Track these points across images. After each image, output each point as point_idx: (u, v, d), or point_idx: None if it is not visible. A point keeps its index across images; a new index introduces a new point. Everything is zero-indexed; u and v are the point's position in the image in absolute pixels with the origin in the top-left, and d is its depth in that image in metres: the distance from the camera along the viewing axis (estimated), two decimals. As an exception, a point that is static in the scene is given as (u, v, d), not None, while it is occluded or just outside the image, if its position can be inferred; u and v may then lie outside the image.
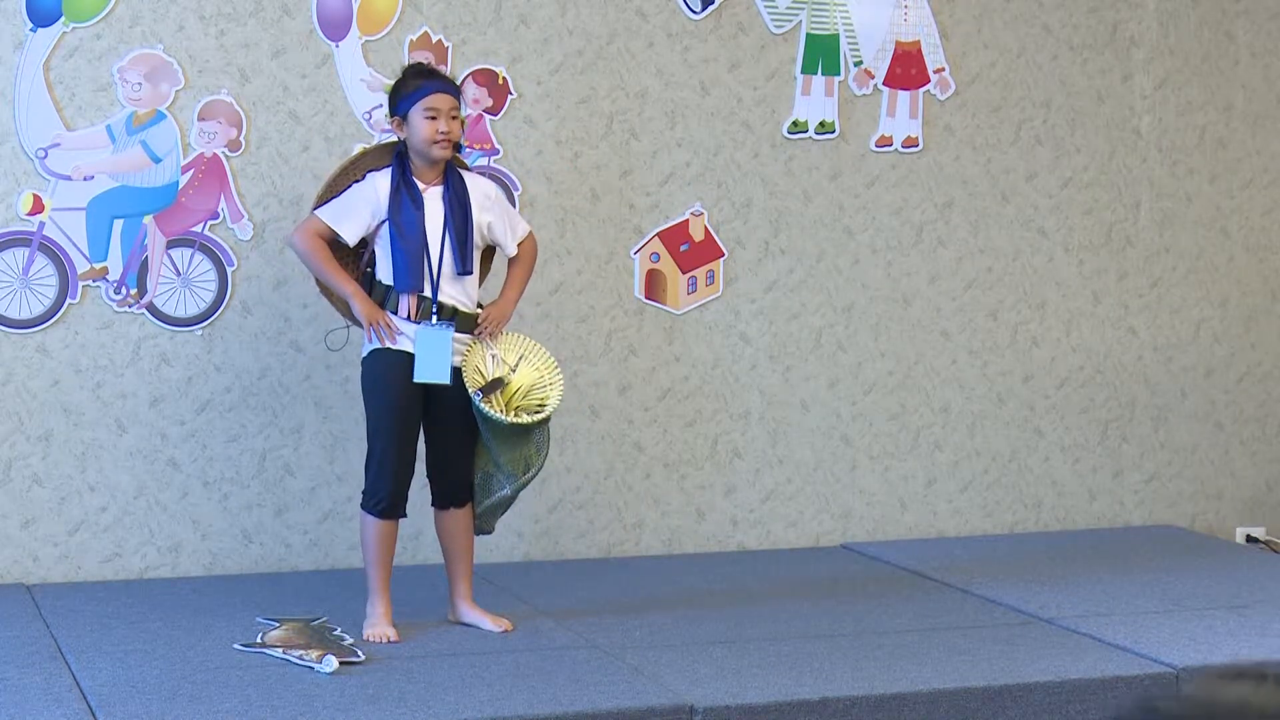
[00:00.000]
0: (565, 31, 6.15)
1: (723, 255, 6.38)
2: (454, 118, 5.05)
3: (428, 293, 5.07)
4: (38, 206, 5.65)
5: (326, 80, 5.90)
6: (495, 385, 5.13)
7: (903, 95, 6.55)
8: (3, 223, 5.64)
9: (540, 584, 5.82)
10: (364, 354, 5.18)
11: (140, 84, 5.72)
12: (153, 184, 5.75)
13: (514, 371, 5.18)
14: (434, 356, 5.04)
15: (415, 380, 5.05)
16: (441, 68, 5.39)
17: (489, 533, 5.40)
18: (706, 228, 6.33)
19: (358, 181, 5.12)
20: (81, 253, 5.69)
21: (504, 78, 6.07)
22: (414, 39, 5.97)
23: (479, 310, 5.18)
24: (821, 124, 6.45)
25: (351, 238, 5.09)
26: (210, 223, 5.82)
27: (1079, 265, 6.81)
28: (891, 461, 6.64)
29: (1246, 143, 7.00)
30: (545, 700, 4.56)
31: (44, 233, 5.66)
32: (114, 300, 5.75)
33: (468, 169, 5.31)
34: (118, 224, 5.72)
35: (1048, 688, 4.86)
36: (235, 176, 5.83)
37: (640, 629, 5.31)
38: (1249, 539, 7.07)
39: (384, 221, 5.07)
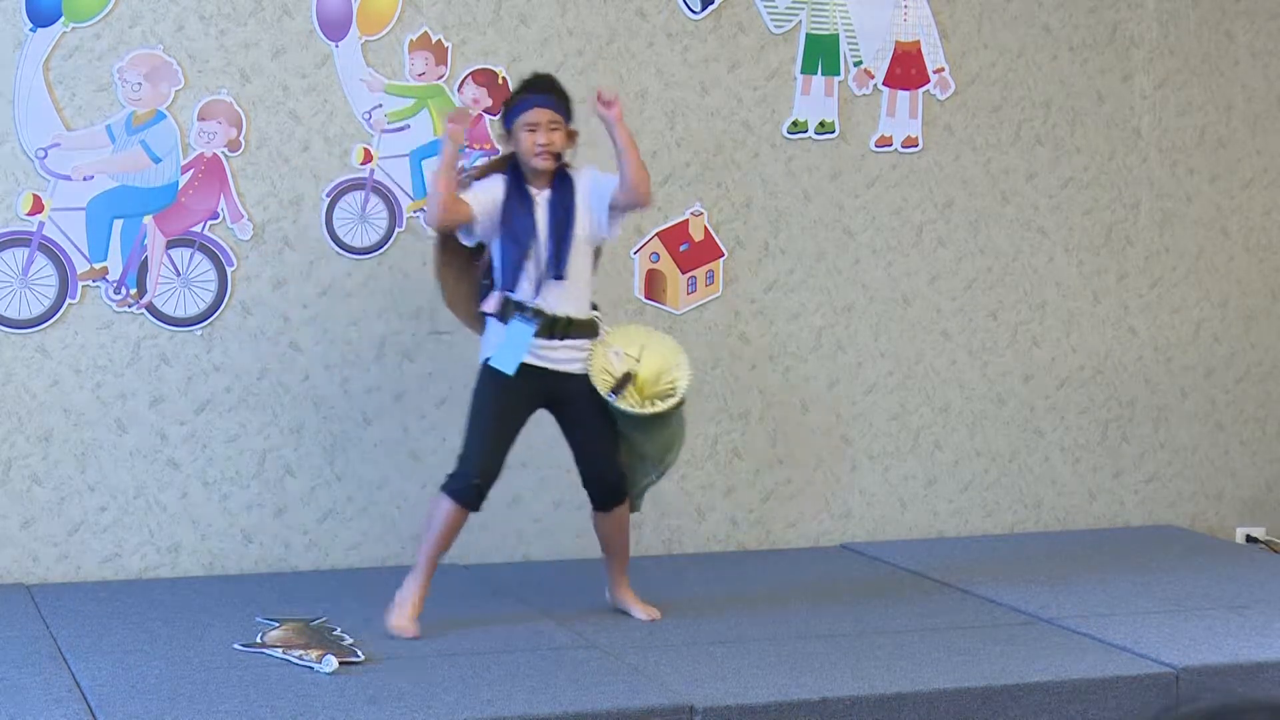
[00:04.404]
0: (565, 31, 6.15)
1: (722, 255, 6.38)
2: (554, 129, 5.16)
3: (534, 296, 5.14)
4: (37, 206, 5.65)
5: (326, 80, 5.90)
6: (625, 381, 5.22)
7: (902, 95, 6.55)
8: (2, 223, 5.64)
9: (540, 584, 5.82)
10: (483, 359, 5.26)
11: (140, 84, 5.72)
12: (152, 184, 5.75)
13: (638, 362, 5.26)
14: (512, 347, 5.12)
15: (490, 362, 5.15)
16: (549, 77, 5.38)
17: (636, 510, 5.47)
18: (706, 228, 6.33)
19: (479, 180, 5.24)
20: (81, 253, 5.69)
21: (504, 78, 6.07)
22: (414, 39, 5.97)
23: (595, 315, 5.26)
24: (821, 124, 6.45)
25: (478, 209, 5.14)
26: (210, 223, 5.81)
27: (1079, 265, 6.81)
28: (891, 462, 6.64)
29: (1246, 143, 7.00)
30: (545, 700, 4.56)
31: (44, 233, 5.66)
32: (114, 300, 5.75)
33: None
34: (117, 224, 5.72)
35: (1048, 688, 4.86)
36: (235, 176, 5.83)
37: (640, 629, 5.31)
38: (1249, 539, 7.07)
39: (499, 222, 5.17)
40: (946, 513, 6.72)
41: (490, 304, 5.22)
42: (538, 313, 5.14)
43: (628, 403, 5.17)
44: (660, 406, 5.19)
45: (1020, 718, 4.82)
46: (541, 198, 5.19)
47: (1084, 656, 5.09)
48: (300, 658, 4.85)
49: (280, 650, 4.92)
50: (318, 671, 4.76)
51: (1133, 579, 6.03)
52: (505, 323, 5.17)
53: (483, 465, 5.17)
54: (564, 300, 5.17)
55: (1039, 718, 4.83)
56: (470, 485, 5.16)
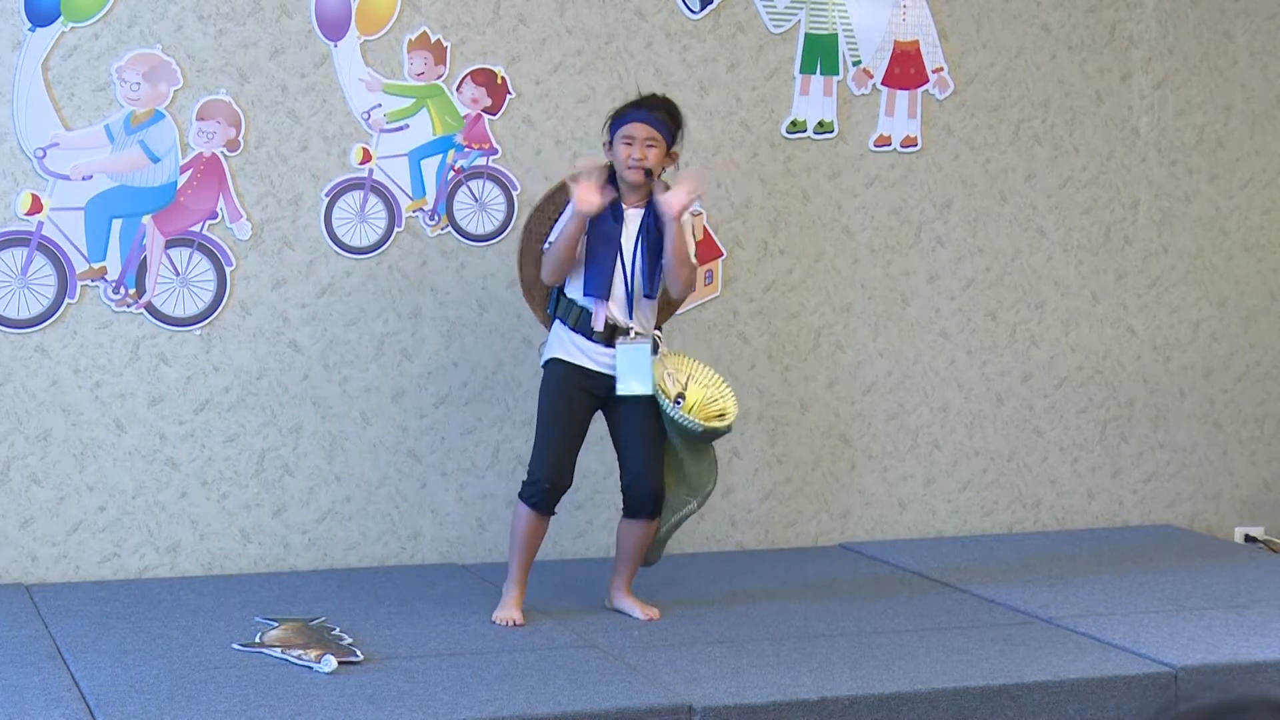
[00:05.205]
0: (564, 31, 6.15)
1: (721, 255, 6.38)
2: (650, 146, 5.24)
3: (616, 308, 5.23)
4: (36, 206, 5.64)
5: (325, 80, 5.90)
6: (678, 400, 5.34)
7: (901, 95, 6.55)
8: (1, 222, 5.64)
9: (541, 584, 5.81)
10: (543, 360, 5.38)
11: (139, 84, 5.71)
12: (151, 184, 5.75)
13: (685, 389, 5.39)
14: (635, 370, 5.23)
15: (619, 394, 5.23)
16: (662, 97, 5.47)
17: (653, 563, 5.54)
18: (705, 227, 6.33)
19: (569, 202, 5.27)
20: (80, 252, 5.69)
21: (502, 77, 6.07)
22: (413, 39, 5.97)
23: (657, 334, 5.34)
24: (820, 124, 6.45)
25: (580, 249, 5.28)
26: (209, 222, 5.81)
27: (1078, 265, 6.81)
28: (890, 461, 6.64)
29: (1245, 142, 7.00)
30: (545, 700, 4.56)
31: (42, 232, 5.66)
32: (113, 300, 5.74)
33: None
34: (116, 224, 5.72)
35: (1046, 687, 4.86)
36: (234, 176, 5.83)
37: (640, 629, 5.31)
38: (1248, 538, 7.07)
39: (587, 231, 5.25)
40: (945, 512, 6.72)
41: (563, 310, 5.31)
42: (630, 333, 5.25)
43: (684, 415, 5.28)
44: (716, 424, 5.32)
45: (1019, 717, 4.82)
46: (633, 214, 5.27)
47: (1083, 656, 5.10)
48: (299, 657, 4.85)
49: (279, 650, 4.92)
50: (317, 671, 4.76)
51: (1131, 578, 6.03)
52: (566, 324, 5.27)
53: (551, 469, 5.26)
54: (636, 314, 5.27)
55: (1038, 717, 4.83)
56: (541, 491, 5.27)
